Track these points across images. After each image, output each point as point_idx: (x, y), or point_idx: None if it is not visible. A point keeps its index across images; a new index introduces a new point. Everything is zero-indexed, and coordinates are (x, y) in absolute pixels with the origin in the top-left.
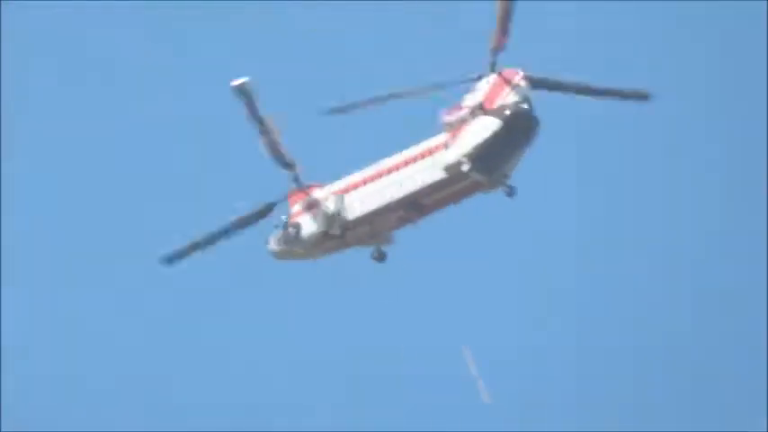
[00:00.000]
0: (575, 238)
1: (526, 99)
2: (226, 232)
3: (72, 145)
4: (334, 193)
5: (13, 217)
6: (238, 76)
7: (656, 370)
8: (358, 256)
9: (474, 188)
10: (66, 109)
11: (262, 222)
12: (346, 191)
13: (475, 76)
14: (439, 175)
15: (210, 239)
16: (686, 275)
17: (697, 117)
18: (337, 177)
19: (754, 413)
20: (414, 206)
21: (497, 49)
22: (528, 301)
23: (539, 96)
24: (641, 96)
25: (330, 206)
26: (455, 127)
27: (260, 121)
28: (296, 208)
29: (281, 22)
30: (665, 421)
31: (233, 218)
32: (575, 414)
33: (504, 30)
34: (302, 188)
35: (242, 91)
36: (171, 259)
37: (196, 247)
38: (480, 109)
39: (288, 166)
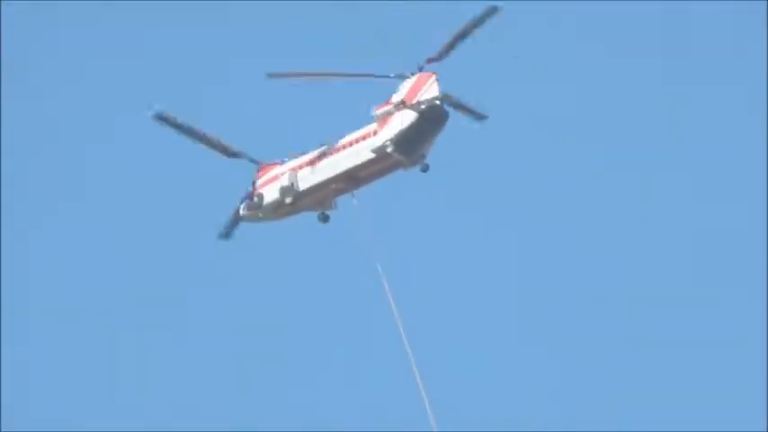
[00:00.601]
0: None
1: (438, 96)
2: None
3: (72, 145)
4: (290, 170)
5: (12, 216)
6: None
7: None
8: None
9: (397, 165)
10: (66, 108)
11: None
12: (299, 168)
13: (401, 74)
14: (369, 155)
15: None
16: None
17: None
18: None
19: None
20: (350, 179)
21: (435, 60)
22: None
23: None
24: (480, 116)
25: (285, 180)
26: (383, 118)
27: (191, 133)
28: (260, 181)
29: None
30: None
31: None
32: None
33: (449, 47)
34: (267, 165)
35: (161, 118)
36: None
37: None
38: (403, 104)
39: (236, 155)
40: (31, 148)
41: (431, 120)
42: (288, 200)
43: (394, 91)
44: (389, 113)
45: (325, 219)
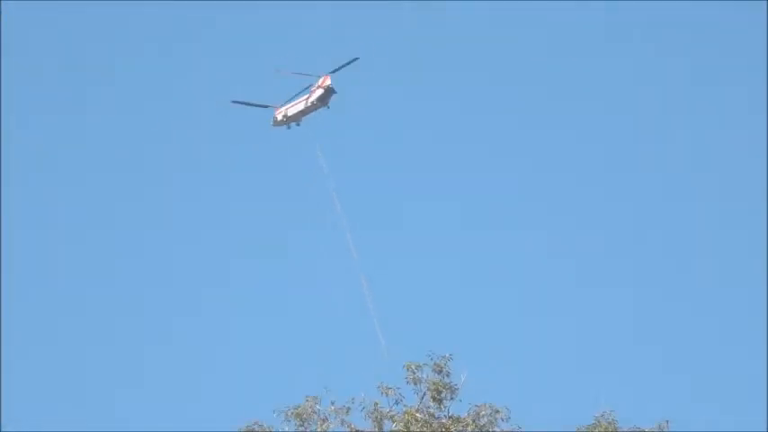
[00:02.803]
0: None
1: (330, 84)
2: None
3: (71, 144)
4: (285, 108)
5: (13, 216)
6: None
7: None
8: None
9: (319, 107)
10: (67, 109)
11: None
12: (289, 108)
13: (319, 75)
14: (308, 104)
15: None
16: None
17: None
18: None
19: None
20: (303, 113)
21: (332, 72)
22: None
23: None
24: (353, 60)
25: (283, 111)
26: (312, 91)
27: (251, 105)
28: (276, 112)
29: None
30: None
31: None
32: None
33: (339, 69)
34: (278, 106)
35: (238, 102)
36: (239, 102)
37: (251, 104)
38: (318, 86)
39: (266, 106)
40: (30, 148)
41: (328, 91)
42: (285, 119)
43: (314, 80)
44: (314, 90)
45: (298, 124)
